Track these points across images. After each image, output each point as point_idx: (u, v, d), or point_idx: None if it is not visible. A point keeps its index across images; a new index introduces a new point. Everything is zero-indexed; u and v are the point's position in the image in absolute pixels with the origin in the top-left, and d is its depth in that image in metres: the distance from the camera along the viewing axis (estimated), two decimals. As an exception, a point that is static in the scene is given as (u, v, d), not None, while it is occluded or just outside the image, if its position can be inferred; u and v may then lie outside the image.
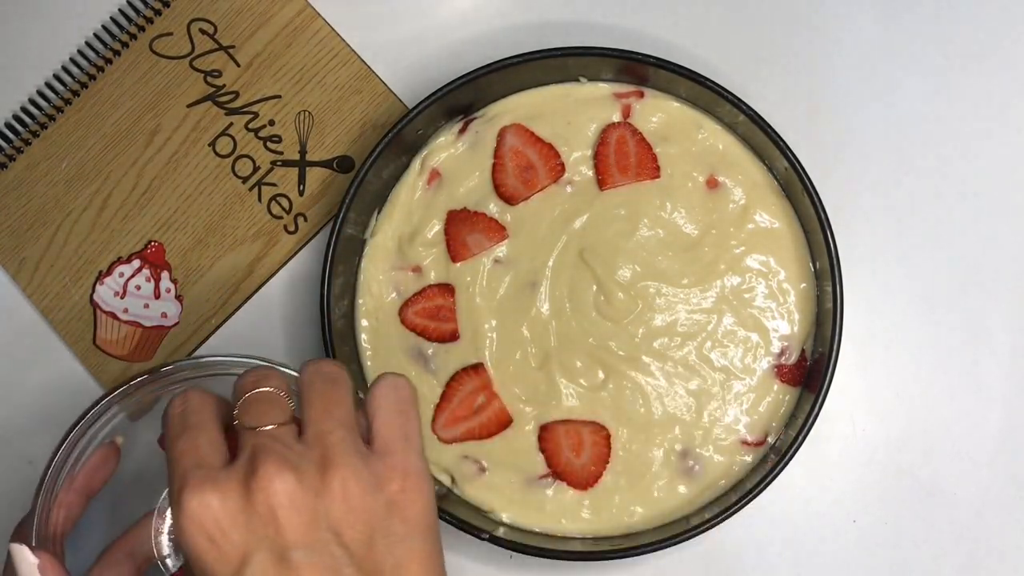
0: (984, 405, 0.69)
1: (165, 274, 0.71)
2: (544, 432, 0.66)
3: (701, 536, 0.62)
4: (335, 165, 0.71)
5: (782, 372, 0.66)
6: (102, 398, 0.56)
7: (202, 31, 0.71)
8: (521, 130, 0.67)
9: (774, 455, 0.64)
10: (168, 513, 0.63)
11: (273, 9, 0.71)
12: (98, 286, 0.71)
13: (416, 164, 0.68)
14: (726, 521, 0.63)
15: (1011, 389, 0.69)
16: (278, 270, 0.71)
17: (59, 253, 0.71)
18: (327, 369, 0.48)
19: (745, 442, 0.66)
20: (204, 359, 0.58)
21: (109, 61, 0.71)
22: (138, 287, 0.71)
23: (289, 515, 0.43)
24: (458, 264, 0.67)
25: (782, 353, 0.66)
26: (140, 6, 0.72)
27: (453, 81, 0.65)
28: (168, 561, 0.64)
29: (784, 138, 0.64)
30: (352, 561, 0.43)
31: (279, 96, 0.71)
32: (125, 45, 0.71)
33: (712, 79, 0.64)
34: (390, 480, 0.45)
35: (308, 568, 0.42)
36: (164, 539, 0.64)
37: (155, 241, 0.71)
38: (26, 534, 0.54)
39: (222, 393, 0.56)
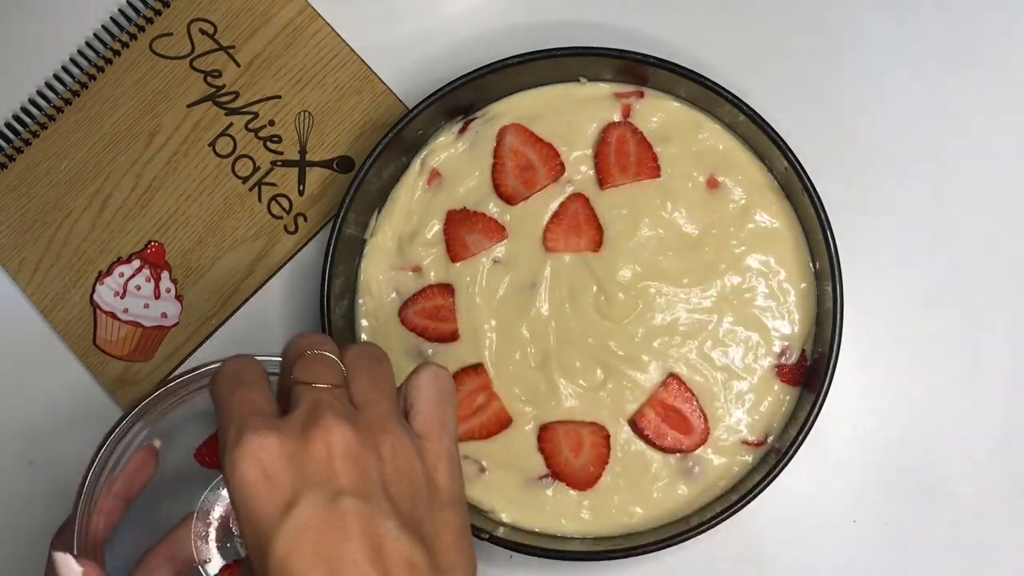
0: (984, 405, 0.69)
1: (165, 274, 0.71)
2: (544, 432, 0.66)
3: (701, 536, 0.62)
4: (335, 165, 0.71)
5: (782, 372, 0.66)
6: (143, 398, 0.56)
7: (202, 31, 0.71)
8: (521, 130, 0.67)
9: (774, 455, 0.64)
10: (210, 514, 0.63)
11: (273, 9, 0.71)
12: (98, 286, 0.71)
13: (416, 164, 0.68)
14: (726, 521, 0.63)
15: (1011, 389, 0.69)
16: (278, 270, 0.71)
17: (59, 253, 0.71)
18: (373, 350, 0.50)
19: (746, 442, 0.66)
20: (266, 356, 0.57)
21: (109, 61, 0.71)
22: (138, 287, 0.71)
23: (344, 463, 0.44)
24: (458, 264, 0.67)
25: (782, 353, 0.66)
26: (140, 6, 0.72)
27: (453, 81, 0.65)
28: (208, 566, 0.64)
29: (784, 138, 0.64)
30: (396, 515, 0.44)
31: (279, 96, 0.71)
32: (125, 45, 0.71)
33: (712, 79, 0.64)
34: (427, 456, 0.47)
35: (355, 514, 0.44)
36: (204, 543, 0.64)
37: (155, 241, 0.71)
38: (66, 541, 0.54)
39: None
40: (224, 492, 0.63)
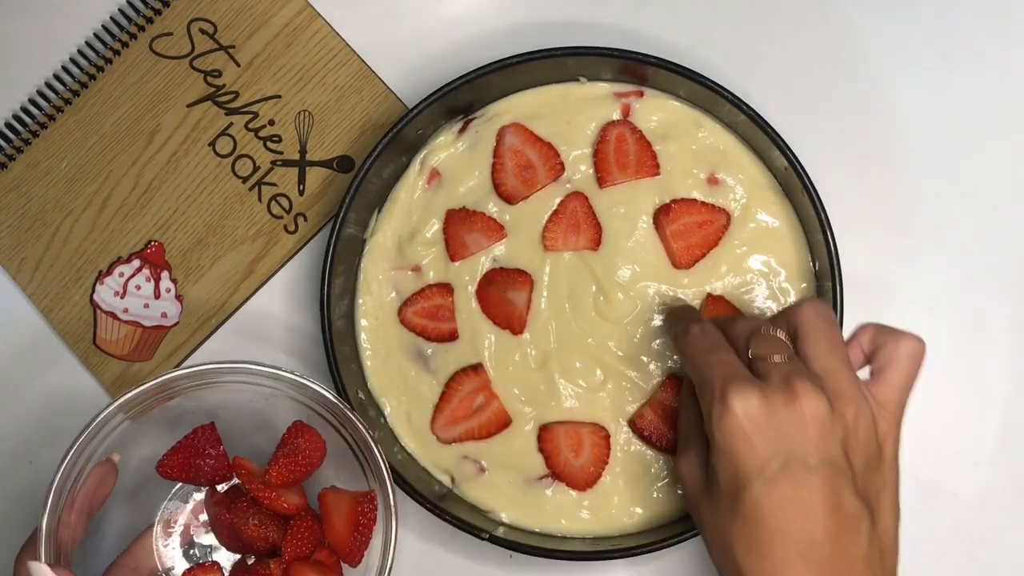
0: (984, 405, 0.69)
1: (165, 274, 0.71)
2: (543, 433, 0.66)
3: (701, 536, 0.62)
4: (335, 165, 0.71)
5: (782, 372, 0.66)
6: (94, 419, 0.57)
7: (202, 31, 0.71)
8: (520, 129, 0.67)
9: (774, 455, 0.64)
10: (172, 523, 0.64)
11: (273, 9, 0.71)
12: (98, 286, 0.71)
13: (416, 164, 0.68)
14: (726, 521, 0.63)
15: (1011, 389, 0.69)
16: (278, 270, 0.71)
17: (59, 253, 0.71)
18: (824, 311, 0.56)
19: (745, 442, 0.66)
20: (196, 367, 0.60)
21: (109, 61, 0.71)
22: (138, 287, 0.71)
23: (815, 429, 0.51)
24: (456, 263, 0.67)
25: (782, 353, 0.66)
26: (140, 6, 0.72)
27: (453, 81, 0.65)
28: (172, 572, 0.64)
29: (784, 138, 0.64)
30: (852, 479, 0.52)
31: (279, 96, 0.71)
32: (125, 45, 0.71)
33: (712, 79, 0.64)
34: (885, 428, 0.54)
35: (820, 474, 0.51)
36: (166, 551, 0.64)
37: (155, 241, 0.71)
38: (33, 551, 0.55)
39: (219, 400, 0.62)
40: (184, 503, 0.66)
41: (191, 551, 0.66)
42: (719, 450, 0.53)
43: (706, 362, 0.55)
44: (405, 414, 0.67)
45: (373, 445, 0.60)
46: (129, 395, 0.58)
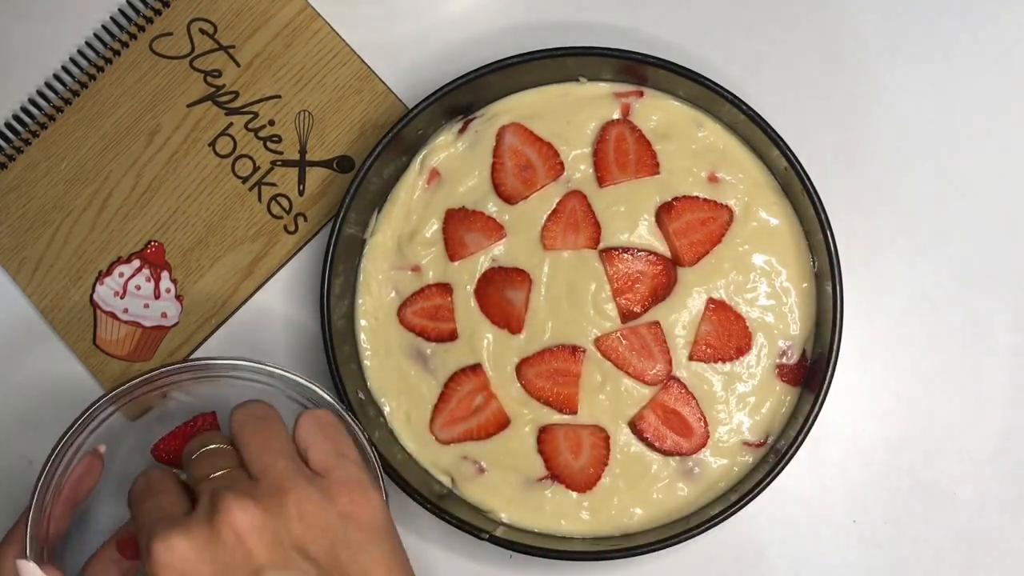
0: (984, 405, 0.69)
1: (165, 274, 0.71)
2: (543, 434, 0.66)
3: (701, 536, 0.62)
4: (335, 165, 0.71)
5: (783, 372, 0.66)
6: (83, 413, 0.58)
7: (202, 31, 0.71)
8: (520, 129, 0.67)
9: (774, 455, 0.64)
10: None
11: (273, 9, 0.71)
12: (98, 286, 0.71)
13: (416, 164, 0.68)
14: (726, 521, 0.63)
15: (1011, 389, 0.69)
16: (278, 270, 0.71)
17: (59, 253, 0.71)
18: (256, 410, 0.52)
19: (746, 443, 0.66)
20: (190, 362, 0.59)
21: (109, 61, 0.71)
22: (138, 287, 0.71)
23: (255, 539, 0.46)
24: (456, 263, 0.67)
25: (783, 353, 0.66)
26: (140, 6, 0.72)
27: (453, 81, 0.65)
28: None
29: (784, 138, 0.64)
30: (321, 573, 0.46)
31: (279, 96, 0.71)
32: (125, 45, 0.71)
33: (712, 79, 0.64)
34: (338, 494, 0.48)
35: None
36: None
37: (155, 241, 0.71)
38: (17, 543, 0.55)
39: (212, 397, 0.61)
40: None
41: None
42: None
43: (137, 514, 0.50)
44: (404, 414, 0.67)
45: (367, 445, 0.60)
46: (121, 388, 0.58)
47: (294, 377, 0.60)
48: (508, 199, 0.67)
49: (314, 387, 0.59)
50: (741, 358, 0.66)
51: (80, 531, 0.64)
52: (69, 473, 0.59)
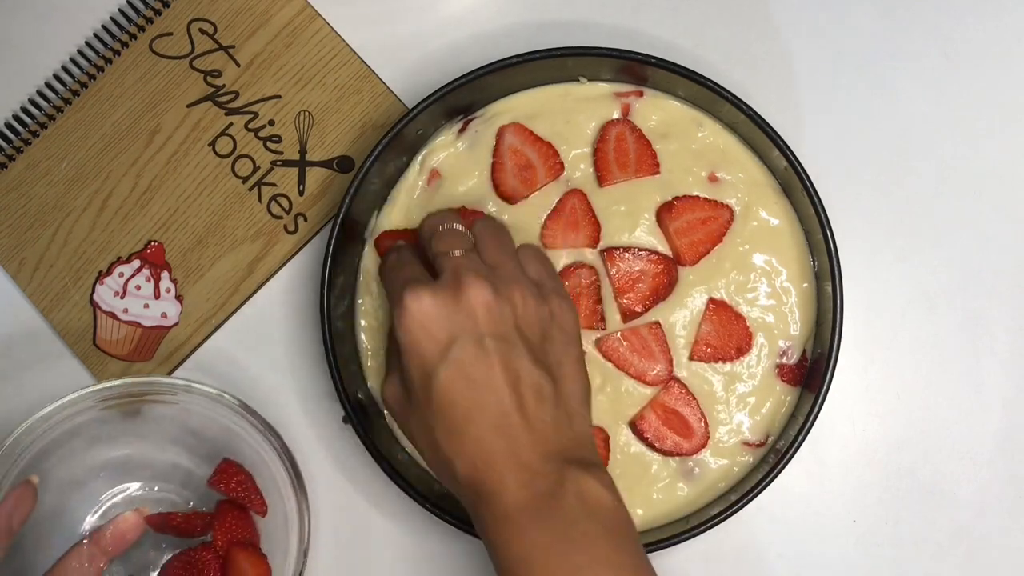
0: (984, 405, 0.69)
1: (165, 274, 0.71)
2: (544, 432, 0.66)
3: (701, 536, 0.62)
4: (335, 165, 0.71)
5: (783, 372, 0.66)
6: (3, 441, 0.60)
7: (202, 31, 0.71)
8: (520, 129, 0.67)
9: (774, 455, 0.64)
10: (99, 539, 0.65)
11: (273, 9, 0.71)
12: (98, 286, 0.71)
13: (416, 164, 0.68)
14: (726, 521, 0.63)
15: (1011, 389, 0.69)
16: (278, 270, 0.71)
17: (59, 253, 0.71)
18: (494, 222, 0.64)
19: (746, 443, 0.66)
20: (109, 385, 0.63)
21: (109, 61, 0.71)
22: (138, 287, 0.71)
23: (485, 313, 0.55)
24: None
25: (784, 353, 0.66)
26: (140, 6, 0.72)
27: (453, 81, 0.65)
28: None
29: (784, 138, 0.64)
30: (528, 351, 0.56)
31: (279, 96, 0.71)
32: (125, 45, 0.71)
33: (712, 79, 0.64)
34: (550, 300, 0.59)
35: (496, 352, 0.55)
36: (92, 567, 0.65)
37: (155, 241, 0.71)
38: None
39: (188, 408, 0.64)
40: (108, 518, 0.67)
41: (115, 568, 0.67)
42: (405, 350, 0.56)
43: (391, 279, 0.60)
44: (405, 414, 0.67)
45: (275, 450, 0.64)
46: (44, 412, 0.62)
47: (204, 388, 0.64)
48: (508, 199, 0.67)
49: (227, 396, 0.63)
50: (741, 358, 0.66)
51: (17, 561, 0.64)
52: (0, 503, 0.60)
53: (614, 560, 0.52)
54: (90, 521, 0.68)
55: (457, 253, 0.58)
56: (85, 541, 0.65)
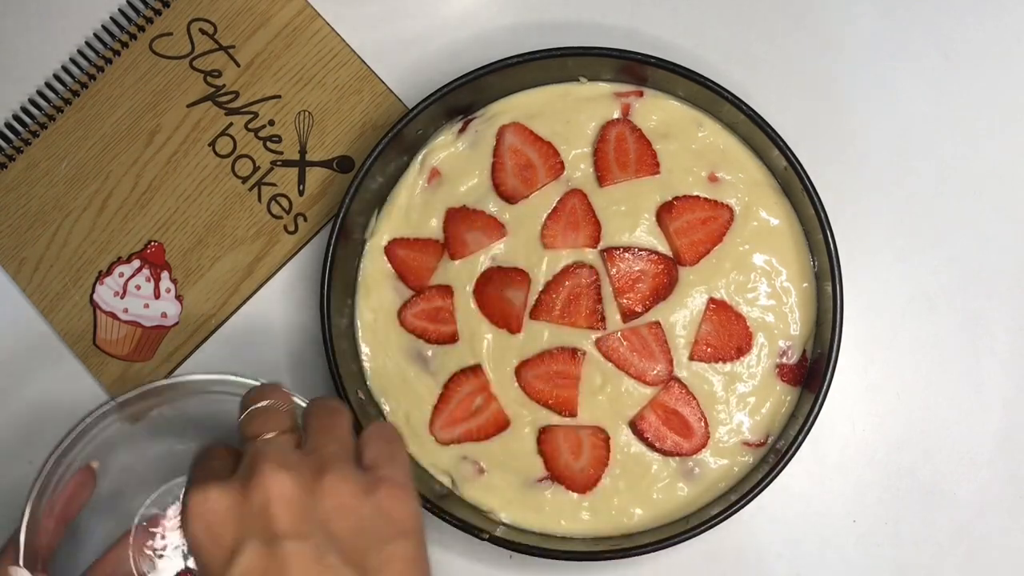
0: (984, 405, 0.69)
1: (165, 274, 0.71)
2: (543, 435, 0.66)
3: (701, 536, 0.62)
4: (335, 165, 0.71)
5: (783, 372, 0.66)
6: (74, 428, 0.58)
7: (202, 31, 0.71)
8: (520, 129, 0.67)
9: (774, 455, 0.64)
10: (149, 532, 0.65)
11: (273, 9, 0.71)
12: (98, 286, 0.71)
13: (416, 163, 0.68)
14: (726, 521, 0.63)
15: (1011, 389, 0.69)
16: (278, 270, 0.71)
17: (59, 253, 0.71)
18: (329, 403, 0.53)
19: (747, 443, 0.66)
20: (180, 379, 0.61)
21: (109, 61, 0.71)
22: (138, 287, 0.71)
23: (281, 509, 0.47)
24: (456, 262, 0.67)
25: (784, 353, 0.66)
26: (140, 6, 0.72)
27: (453, 81, 0.65)
28: None
29: (784, 138, 0.64)
30: (337, 550, 0.47)
31: (279, 96, 0.71)
32: (125, 45, 0.71)
33: (712, 79, 0.64)
34: (378, 488, 0.49)
35: (295, 555, 0.46)
36: (143, 556, 0.65)
37: (155, 241, 0.71)
38: (11, 554, 0.56)
39: (201, 411, 0.62)
40: (162, 510, 0.66)
41: (164, 556, 0.66)
42: (193, 554, 0.48)
43: (190, 474, 0.51)
44: (404, 415, 0.67)
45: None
46: (117, 400, 0.59)
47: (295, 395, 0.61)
48: (509, 198, 0.67)
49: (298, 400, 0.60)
50: (741, 358, 0.66)
51: (72, 544, 0.64)
52: (62, 488, 0.59)
53: None
54: (143, 511, 0.67)
55: (267, 437, 0.50)
56: (143, 525, 0.65)
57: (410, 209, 0.68)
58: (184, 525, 0.48)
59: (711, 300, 0.66)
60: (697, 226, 0.66)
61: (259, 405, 0.52)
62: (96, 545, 0.65)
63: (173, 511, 0.66)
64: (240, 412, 0.53)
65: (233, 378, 0.60)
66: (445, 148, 0.68)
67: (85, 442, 0.60)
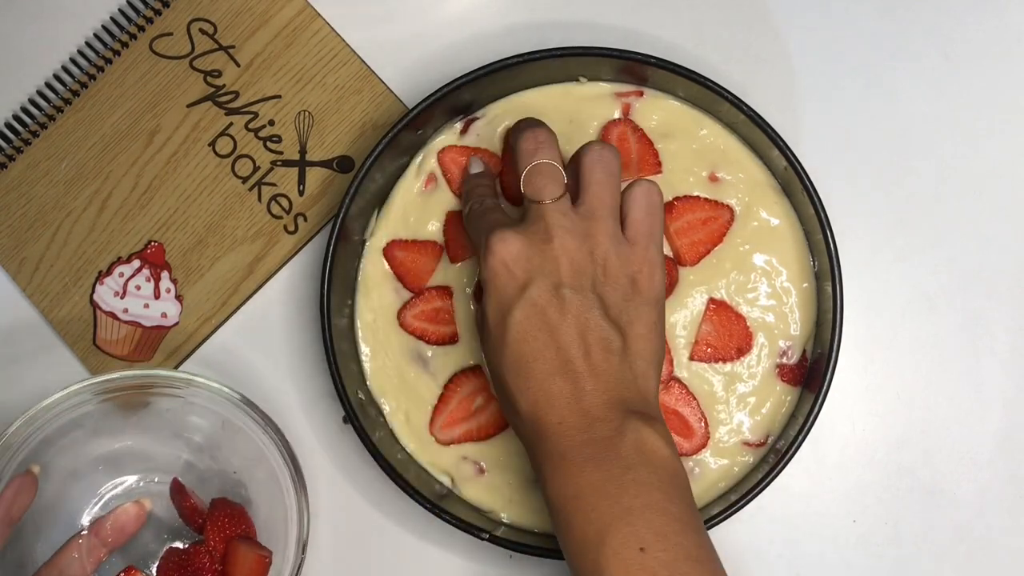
0: (984, 405, 0.69)
1: (165, 274, 0.71)
2: (544, 433, 0.66)
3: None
4: (335, 165, 0.71)
5: (783, 372, 0.66)
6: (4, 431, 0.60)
7: (202, 31, 0.71)
8: (521, 130, 0.67)
9: (774, 455, 0.64)
10: (99, 530, 0.65)
11: (273, 9, 0.71)
12: (98, 286, 0.71)
13: (414, 165, 0.68)
14: (726, 521, 0.63)
15: (1011, 389, 0.69)
16: (278, 270, 0.71)
17: (59, 253, 0.71)
18: (608, 160, 0.60)
19: (747, 443, 0.66)
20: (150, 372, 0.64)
21: (109, 61, 0.71)
22: (138, 287, 0.71)
23: (568, 265, 0.57)
24: (456, 265, 0.67)
25: (784, 353, 0.66)
26: (140, 6, 0.72)
27: (453, 81, 0.65)
28: None
29: (784, 138, 0.64)
30: (601, 308, 0.57)
31: (279, 96, 0.71)
32: (125, 45, 0.71)
33: (712, 79, 0.64)
34: (635, 263, 0.58)
35: (571, 301, 0.56)
36: (92, 557, 0.65)
37: (155, 241, 0.71)
38: None
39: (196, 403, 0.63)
40: (111, 510, 0.67)
41: (113, 559, 0.67)
42: (486, 289, 0.58)
43: (476, 227, 0.61)
44: (404, 415, 0.67)
45: (281, 448, 0.64)
46: (47, 402, 0.62)
47: (208, 382, 0.64)
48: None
49: (231, 392, 0.63)
50: (742, 358, 0.66)
51: (16, 549, 0.64)
52: (1, 492, 0.60)
53: (665, 508, 0.53)
54: (90, 512, 0.68)
55: (548, 201, 0.58)
56: (85, 532, 0.65)
57: (408, 211, 0.68)
58: (484, 264, 0.58)
59: (711, 300, 0.66)
60: (697, 226, 0.66)
61: (536, 163, 0.59)
62: (41, 551, 0.65)
63: (116, 516, 0.66)
64: (514, 157, 0.61)
65: (164, 373, 0.63)
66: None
67: (20, 442, 0.61)
